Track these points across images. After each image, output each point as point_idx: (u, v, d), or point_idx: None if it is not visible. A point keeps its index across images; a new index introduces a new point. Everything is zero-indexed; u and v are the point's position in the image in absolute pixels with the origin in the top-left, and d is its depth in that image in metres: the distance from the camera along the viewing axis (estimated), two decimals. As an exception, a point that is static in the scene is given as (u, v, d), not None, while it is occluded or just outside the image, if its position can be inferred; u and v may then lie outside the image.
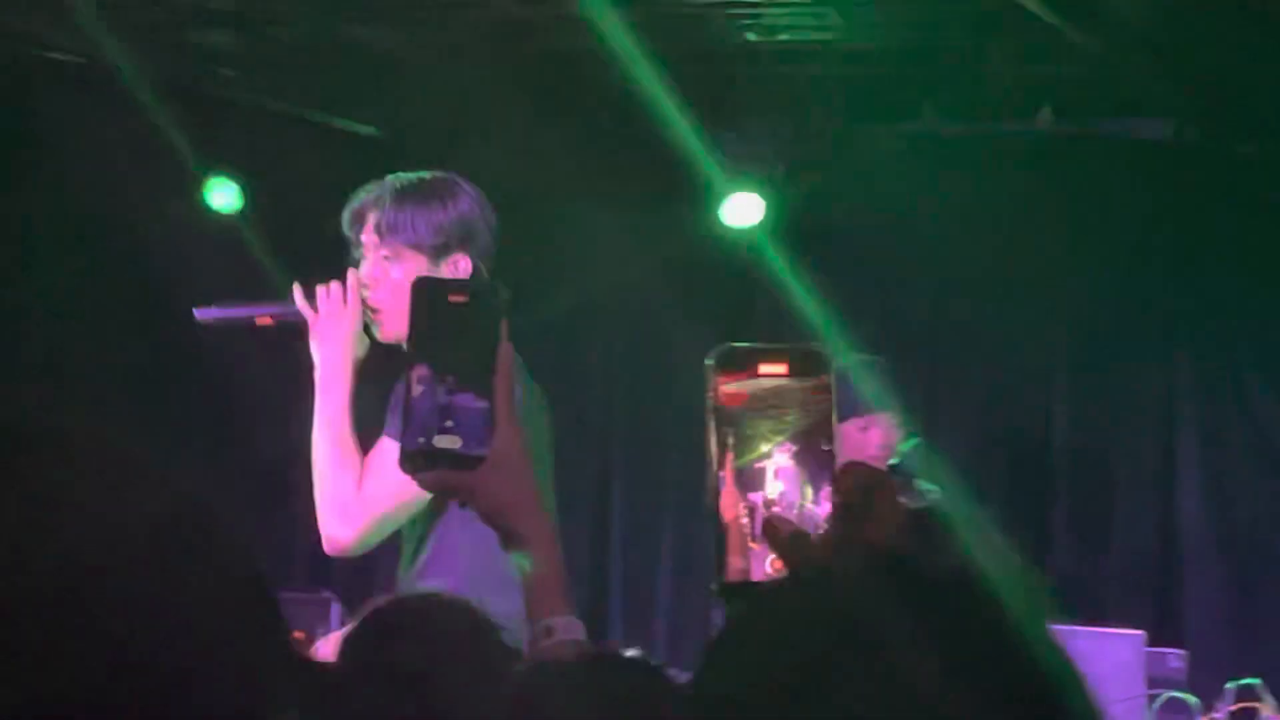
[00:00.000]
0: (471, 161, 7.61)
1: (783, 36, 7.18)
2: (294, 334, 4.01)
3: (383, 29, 7.37)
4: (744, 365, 1.83)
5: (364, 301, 4.02)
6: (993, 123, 7.76)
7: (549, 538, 2.20)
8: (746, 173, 7.60)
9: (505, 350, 2.11)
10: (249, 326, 4.05)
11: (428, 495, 3.52)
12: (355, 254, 4.06)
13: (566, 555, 2.22)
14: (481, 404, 2.06)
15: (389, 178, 4.09)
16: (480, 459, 2.07)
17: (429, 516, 3.94)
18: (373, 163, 7.72)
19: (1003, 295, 7.89)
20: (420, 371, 2.04)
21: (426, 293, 2.09)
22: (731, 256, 7.73)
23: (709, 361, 1.82)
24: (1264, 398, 7.78)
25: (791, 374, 1.83)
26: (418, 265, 3.96)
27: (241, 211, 7.90)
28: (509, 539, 2.17)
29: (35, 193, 7.72)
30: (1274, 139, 7.24)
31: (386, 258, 4.01)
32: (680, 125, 6.70)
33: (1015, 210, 7.75)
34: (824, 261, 7.14)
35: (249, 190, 7.94)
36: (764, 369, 1.83)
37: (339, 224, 4.05)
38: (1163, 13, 5.90)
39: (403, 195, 4.04)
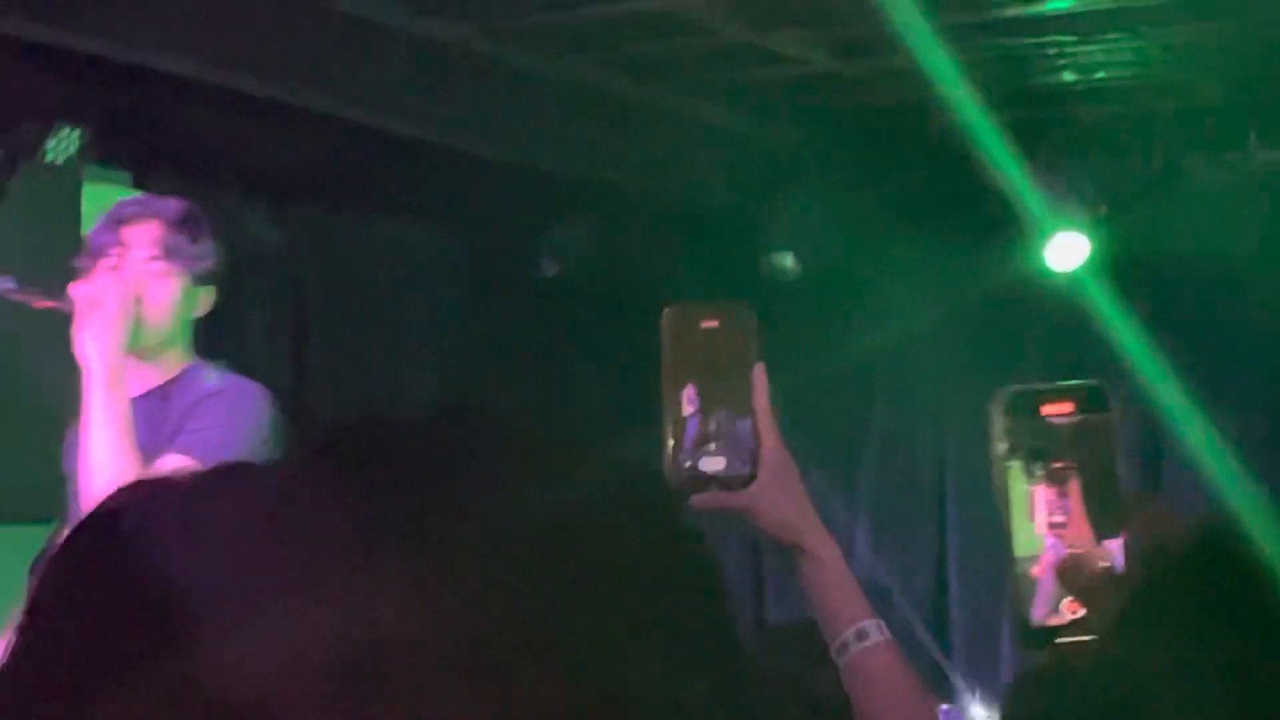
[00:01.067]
0: (780, 211, 7.75)
1: (1100, 75, 7.12)
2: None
3: (687, 92, 7.46)
4: (1029, 407, 1.82)
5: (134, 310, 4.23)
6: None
7: (833, 546, 2.21)
8: (1069, 214, 7.54)
9: (760, 370, 2.14)
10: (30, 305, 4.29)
11: None
12: (102, 256, 4.28)
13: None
14: (742, 424, 2.09)
15: (147, 196, 4.42)
16: (748, 478, 2.10)
17: None
18: (677, 226, 7.95)
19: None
20: (679, 396, 2.08)
21: (679, 319, 2.13)
22: (1056, 298, 7.66)
23: (993, 406, 1.82)
24: None
25: (1076, 411, 1.82)
26: (184, 287, 4.30)
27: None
28: (794, 554, 2.19)
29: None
30: None
31: (162, 274, 4.28)
32: (1001, 168, 6.69)
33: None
34: (1149, 301, 7.03)
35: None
36: (1048, 409, 1.82)
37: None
38: None
39: (184, 223, 4.33)
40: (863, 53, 6.99)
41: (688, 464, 2.08)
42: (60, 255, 6.69)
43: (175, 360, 4.36)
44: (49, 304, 4.23)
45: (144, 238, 4.28)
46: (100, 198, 7.09)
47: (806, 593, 2.19)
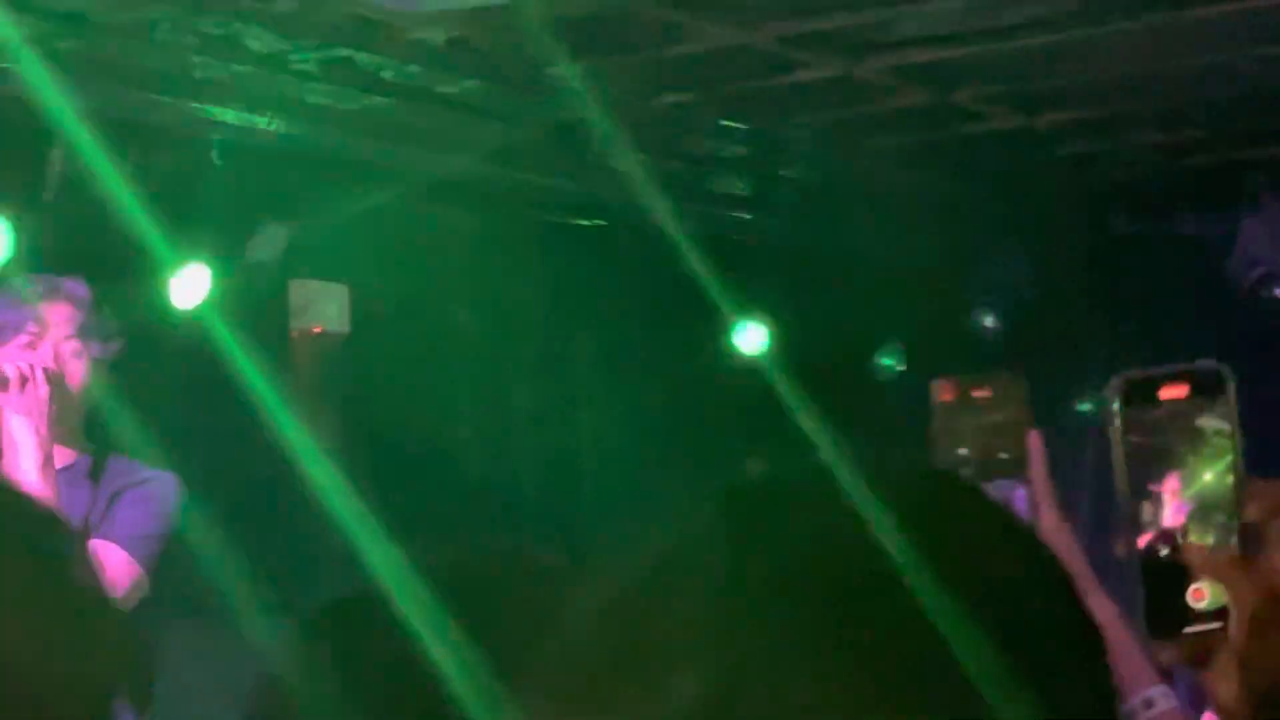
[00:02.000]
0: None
1: None
2: None
3: (890, 164, 7.46)
4: (1146, 393, 1.79)
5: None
6: None
7: (1113, 609, 2.18)
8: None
9: (1036, 438, 2.13)
10: None
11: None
12: (18, 333, 4.33)
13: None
14: (1019, 490, 2.09)
15: (54, 277, 4.57)
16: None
17: None
18: (896, 296, 7.93)
19: None
20: (946, 459, 2.09)
21: (950, 390, 2.14)
22: None
23: (1107, 394, 1.79)
24: None
25: (1193, 394, 1.78)
26: (92, 368, 4.48)
27: (765, 353, 8.08)
28: None
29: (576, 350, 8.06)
30: None
31: (77, 353, 4.46)
32: None
33: None
34: None
35: (773, 331, 8.10)
36: (1165, 394, 1.79)
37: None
38: None
39: (95, 304, 4.56)
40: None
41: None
42: (270, 349, 6.88)
43: (77, 438, 4.49)
44: None
45: (60, 317, 4.43)
46: (305, 291, 7.24)
47: None
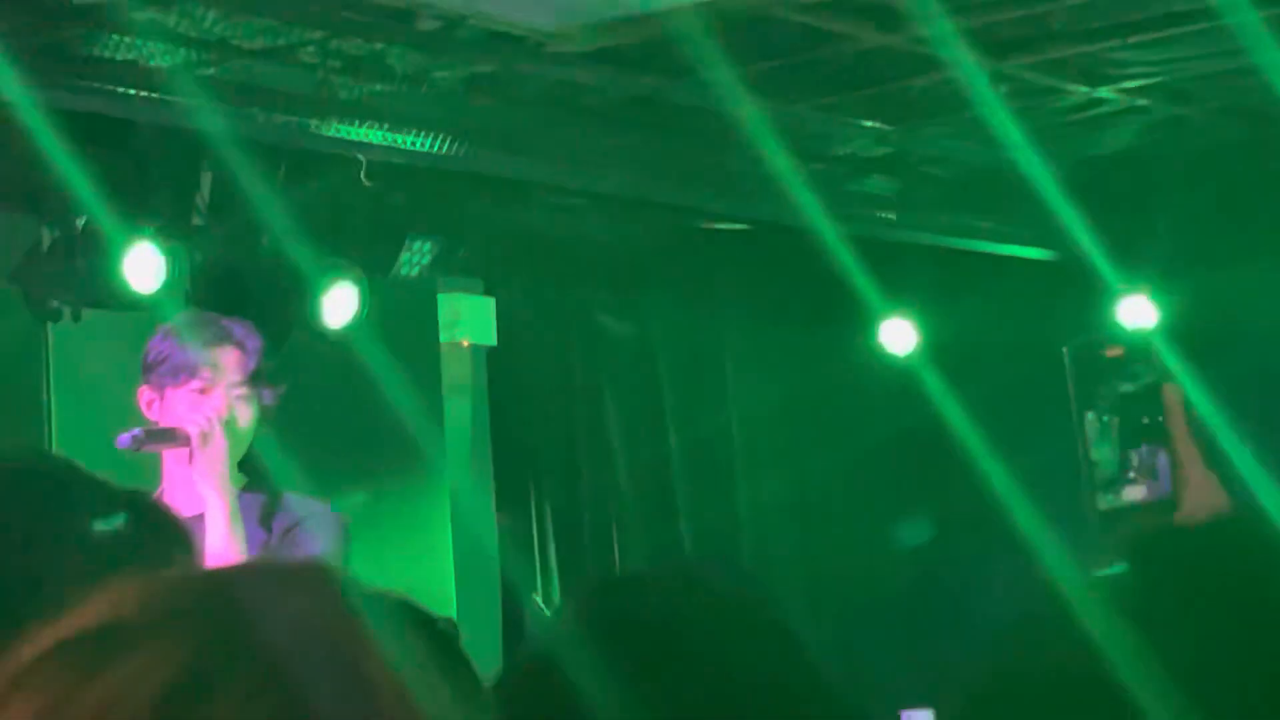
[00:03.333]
0: (1147, 270, 7.64)
1: None
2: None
3: (1036, 151, 7.41)
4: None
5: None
6: None
7: None
8: None
9: (1173, 390, 2.10)
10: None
11: None
12: (193, 378, 4.23)
13: None
14: (1161, 448, 2.06)
15: (227, 321, 4.37)
16: (1170, 504, 2.06)
17: None
18: (1047, 286, 7.87)
19: None
20: (1096, 427, 2.07)
21: (1084, 352, 2.12)
22: None
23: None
24: None
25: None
26: (258, 413, 4.36)
27: (916, 351, 8.05)
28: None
29: (724, 354, 8.08)
30: None
31: (247, 399, 4.31)
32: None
33: None
34: None
35: (925, 328, 8.08)
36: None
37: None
38: None
39: (261, 350, 4.38)
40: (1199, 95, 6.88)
41: (1110, 495, 2.06)
42: (420, 364, 6.94)
43: (235, 475, 4.45)
44: (166, 448, 4.34)
45: (231, 362, 4.36)
46: (453, 305, 7.30)
47: None
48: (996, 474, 6.19)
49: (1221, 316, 7.39)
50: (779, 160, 6.66)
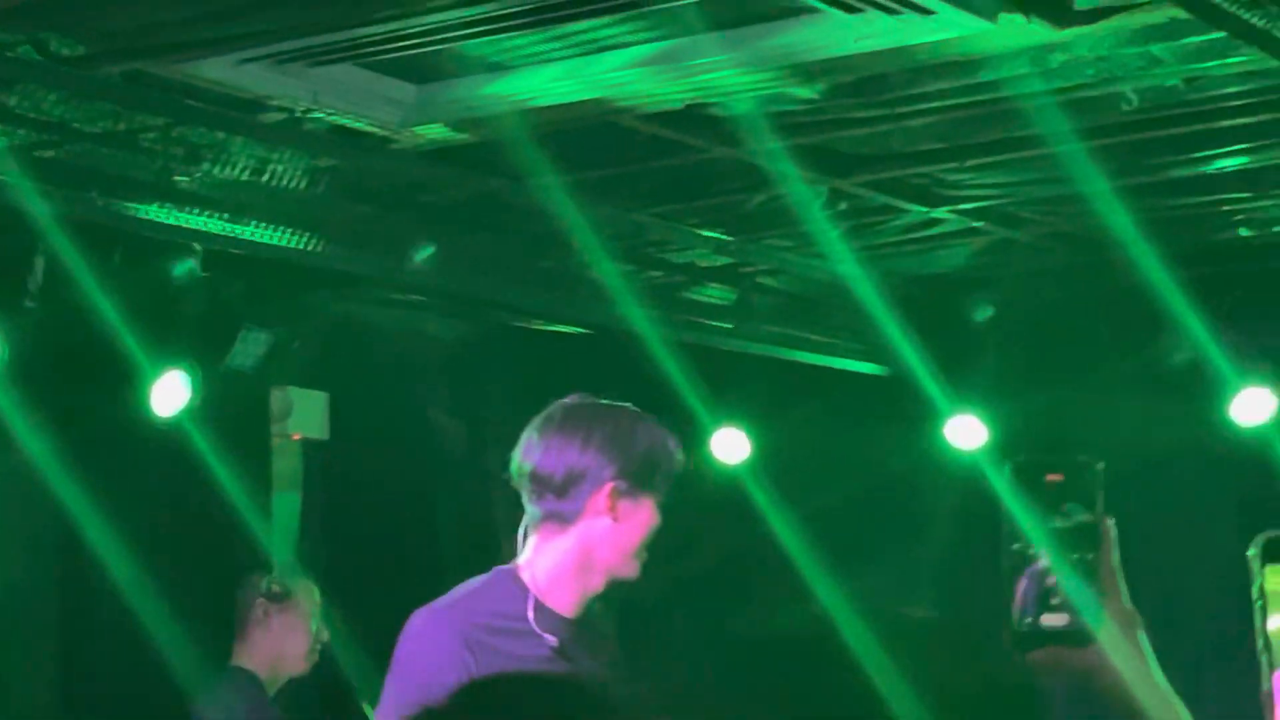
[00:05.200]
0: (978, 389, 7.74)
1: (1276, 229, 7.08)
2: None
3: (872, 268, 7.51)
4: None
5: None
6: None
7: (1173, 712, 2.14)
8: (1255, 369, 7.47)
9: (1109, 524, 2.11)
10: None
11: None
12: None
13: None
14: (1087, 579, 2.07)
15: None
16: (1090, 634, 2.06)
17: None
18: (878, 401, 7.97)
19: None
20: (1021, 551, 2.08)
21: (1026, 473, 2.13)
22: (1244, 452, 7.57)
23: (1252, 552, 1.79)
24: None
25: None
26: None
27: (746, 462, 8.10)
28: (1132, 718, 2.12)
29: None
30: None
31: None
32: (1185, 325, 6.66)
33: None
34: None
35: (754, 440, 8.13)
36: None
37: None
38: None
39: None
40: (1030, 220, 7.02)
41: (1029, 619, 2.07)
42: (250, 456, 6.88)
43: None
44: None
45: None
46: (285, 397, 7.26)
47: None
48: (824, 588, 6.24)
49: (1048, 437, 7.51)
50: (616, 266, 6.71)
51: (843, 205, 6.71)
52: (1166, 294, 6.53)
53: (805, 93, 5.41)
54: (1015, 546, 2.06)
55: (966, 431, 7.94)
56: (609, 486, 4.12)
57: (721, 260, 7.43)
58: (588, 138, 5.82)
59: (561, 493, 4.13)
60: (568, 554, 4.14)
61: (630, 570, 4.20)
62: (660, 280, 7.36)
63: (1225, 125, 5.83)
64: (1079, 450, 2.12)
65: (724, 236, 7.15)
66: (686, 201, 6.75)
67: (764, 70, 5.07)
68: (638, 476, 4.14)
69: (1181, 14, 4.60)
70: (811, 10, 4.71)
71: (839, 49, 4.93)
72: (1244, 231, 7.11)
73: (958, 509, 8.21)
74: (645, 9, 4.54)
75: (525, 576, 4.15)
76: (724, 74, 5.01)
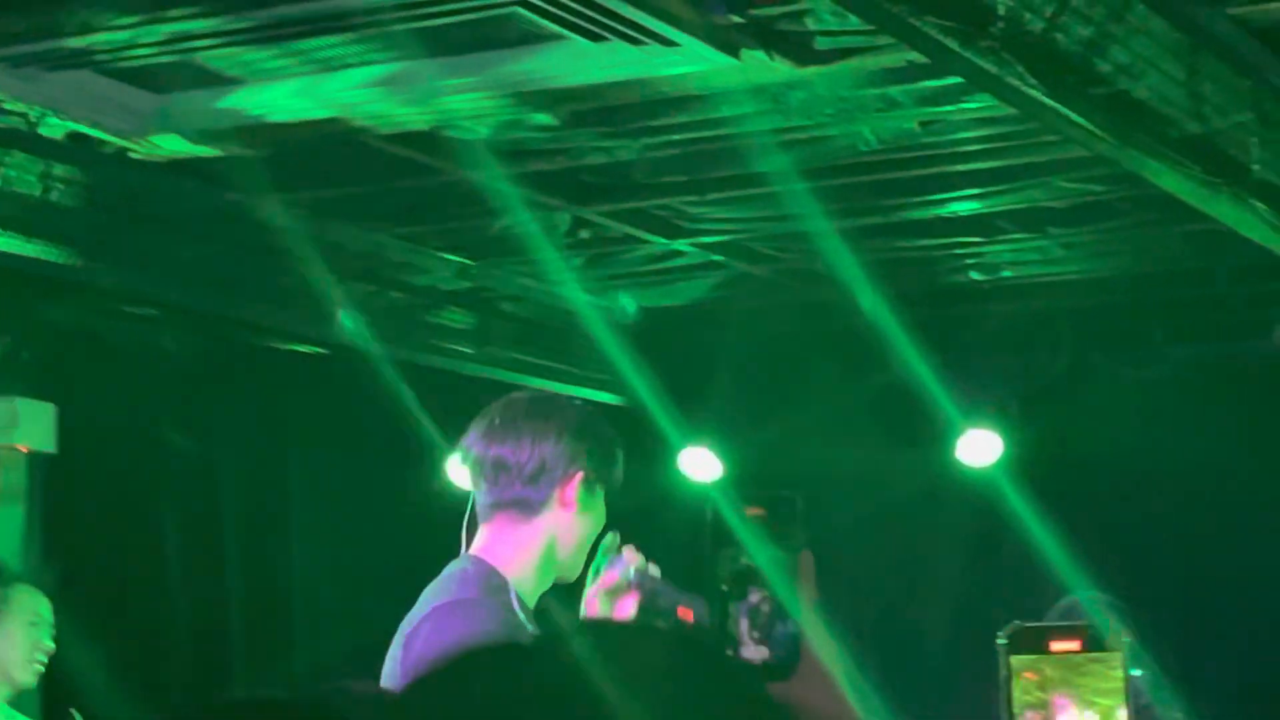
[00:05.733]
0: (713, 422, 7.82)
1: (1006, 274, 7.24)
2: None
3: (612, 299, 7.56)
4: (1036, 643, 1.85)
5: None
6: (1225, 343, 7.72)
7: None
8: (980, 411, 7.63)
9: (807, 559, 2.14)
10: None
11: None
12: None
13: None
14: (788, 614, 2.10)
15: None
16: (789, 669, 2.09)
17: None
18: (619, 430, 7.97)
19: (1252, 526, 7.74)
20: (725, 586, 2.10)
21: (728, 508, 2.16)
22: (971, 494, 7.73)
23: (1002, 641, 1.84)
24: None
25: (1084, 649, 1.84)
26: None
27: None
28: None
29: (290, 480, 7.99)
30: None
31: None
32: (913, 366, 6.79)
33: (1254, 433, 7.65)
34: (1064, 496, 7.11)
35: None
36: (1056, 645, 1.85)
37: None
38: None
39: None
40: (769, 256, 7.10)
41: (731, 652, 2.09)
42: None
43: None
44: None
45: None
46: (12, 408, 7.10)
47: None
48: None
49: (778, 469, 7.61)
50: (356, 286, 6.67)
51: (585, 234, 6.74)
52: (895, 334, 6.65)
53: (548, 120, 5.43)
54: (723, 586, 2.10)
55: (700, 464, 8.00)
56: (579, 476, 4.09)
57: (463, 284, 7.43)
58: (330, 155, 5.79)
59: (532, 480, 4.10)
60: (533, 543, 4.11)
61: (576, 568, 4.14)
62: (401, 302, 7.33)
63: (959, 170, 5.95)
64: (785, 486, 2.16)
65: (466, 260, 7.15)
66: (429, 224, 6.74)
67: (506, 96, 5.07)
68: (600, 469, 4.11)
69: (919, 58, 4.69)
70: (556, 38, 4.73)
71: (583, 77, 4.95)
72: (975, 275, 7.26)
73: (689, 542, 8.27)
74: (381, 29, 4.52)
75: (495, 564, 4.11)
76: (465, 98, 5.01)
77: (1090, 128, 4.40)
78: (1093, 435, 7.74)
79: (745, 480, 7.70)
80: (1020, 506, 7.10)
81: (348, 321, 6.79)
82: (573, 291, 7.10)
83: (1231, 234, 5.72)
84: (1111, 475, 7.85)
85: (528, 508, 4.09)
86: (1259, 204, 5.34)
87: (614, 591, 4.09)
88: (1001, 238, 6.76)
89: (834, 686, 2.15)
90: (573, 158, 5.90)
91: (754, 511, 2.15)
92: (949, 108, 5.30)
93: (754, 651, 2.08)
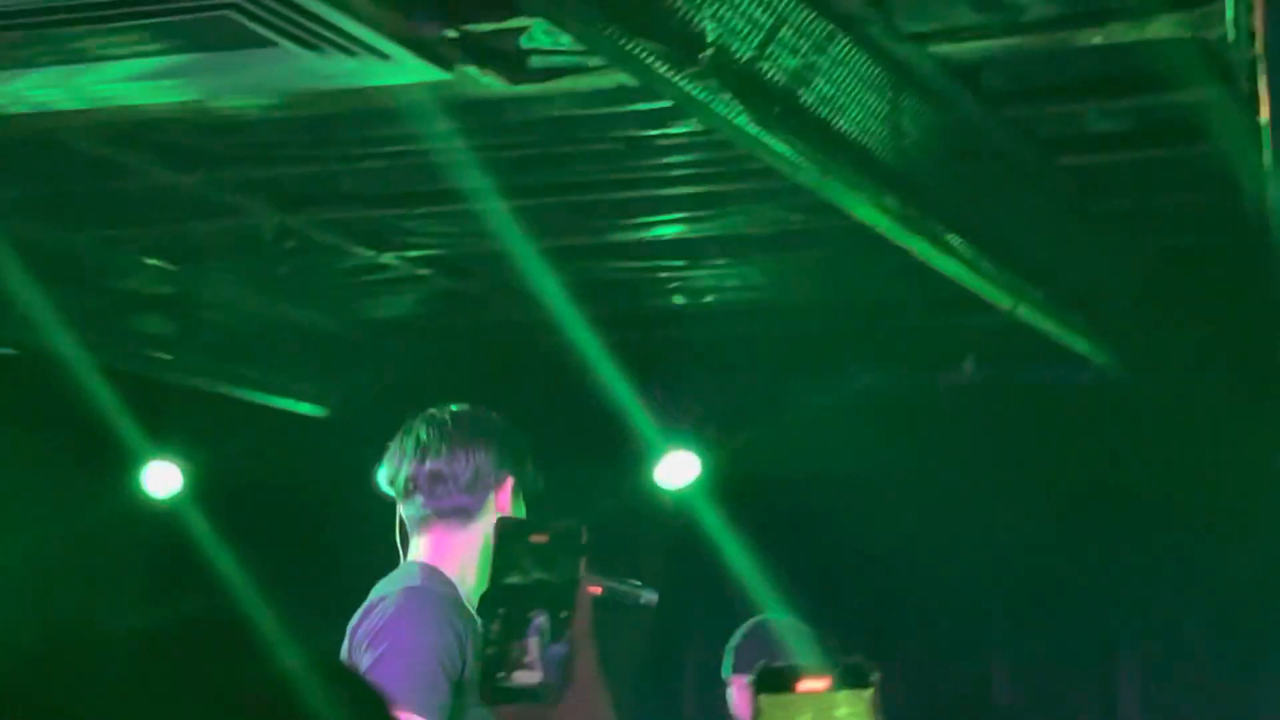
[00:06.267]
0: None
1: (708, 299, 7.33)
2: None
3: (316, 309, 7.51)
4: (785, 683, 1.87)
5: None
6: (919, 374, 7.92)
7: None
8: (680, 433, 7.71)
9: (584, 588, 2.16)
10: None
11: None
12: None
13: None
14: (560, 640, 2.12)
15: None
16: (558, 694, 2.11)
17: None
18: (319, 442, 7.93)
19: (937, 550, 7.95)
20: (502, 609, 2.11)
21: (509, 532, 2.16)
22: (668, 516, 7.81)
23: (750, 679, 1.87)
24: (1204, 643, 7.80)
25: (834, 688, 1.86)
26: None
27: (182, 495, 7.98)
28: None
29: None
30: (1189, 377, 7.39)
31: None
32: (614, 387, 6.84)
33: (945, 461, 7.85)
34: (759, 519, 7.21)
35: (191, 472, 8.01)
36: (804, 685, 1.87)
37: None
38: (1072, 266, 6.06)
39: None
40: (476, 272, 7.10)
41: (500, 674, 2.09)
42: None
43: None
44: None
45: None
46: None
47: None
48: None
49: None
50: (52, 288, 6.54)
51: (290, 243, 6.68)
52: (596, 355, 6.70)
53: (257, 126, 5.38)
54: (500, 609, 2.11)
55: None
56: (510, 482, 4.43)
57: (165, 289, 7.32)
58: (28, 154, 5.67)
59: (470, 489, 4.38)
60: (472, 546, 4.35)
61: None
62: (99, 306, 7.20)
63: (666, 194, 6.02)
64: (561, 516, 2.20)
65: (168, 265, 7.05)
66: (130, 226, 6.63)
67: (216, 99, 5.01)
68: (524, 474, 4.49)
69: (630, 81, 4.74)
70: (269, 43, 4.68)
71: (294, 84, 4.91)
72: (678, 299, 7.34)
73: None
74: (87, 27, 4.44)
75: (441, 568, 4.36)
76: (173, 99, 4.94)
77: (793, 157, 4.48)
78: (787, 458, 7.87)
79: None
80: (716, 527, 7.19)
81: (44, 324, 6.65)
82: (277, 300, 7.05)
83: (926, 267, 5.87)
84: (803, 498, 7.99)
85: (466, 515, 4.37)
86: (954, 238, 5.49)
87: None
88: (706, 263, 6.85)
89: (602, 709, 2.19)
90: (282, 165, 5.86)
91: (538, 538, 2.17)
92: (657, 131, 5.37)
93: (525, 676, 2.10)
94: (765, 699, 1.84)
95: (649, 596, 4.46)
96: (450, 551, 4.40)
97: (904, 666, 7.98)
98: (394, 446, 4.52)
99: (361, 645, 4.23)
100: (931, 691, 8.00)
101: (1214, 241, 6.19)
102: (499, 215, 6.01)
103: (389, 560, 4.44)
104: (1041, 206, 5.54)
